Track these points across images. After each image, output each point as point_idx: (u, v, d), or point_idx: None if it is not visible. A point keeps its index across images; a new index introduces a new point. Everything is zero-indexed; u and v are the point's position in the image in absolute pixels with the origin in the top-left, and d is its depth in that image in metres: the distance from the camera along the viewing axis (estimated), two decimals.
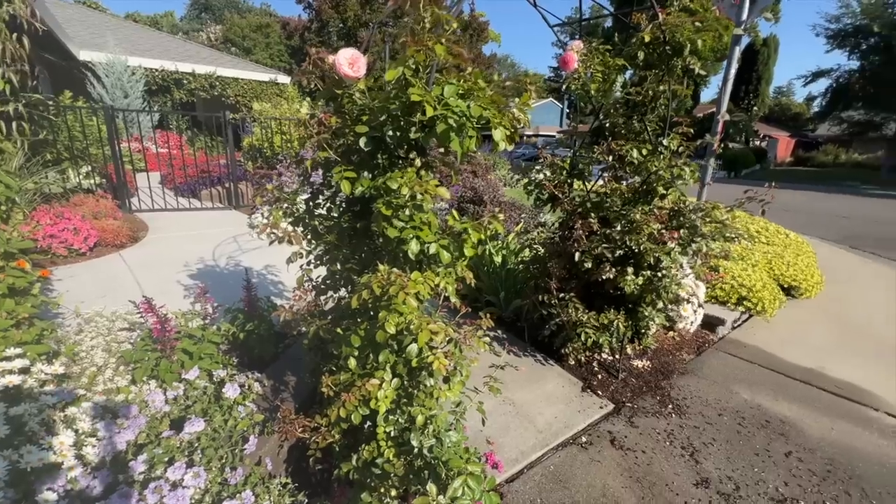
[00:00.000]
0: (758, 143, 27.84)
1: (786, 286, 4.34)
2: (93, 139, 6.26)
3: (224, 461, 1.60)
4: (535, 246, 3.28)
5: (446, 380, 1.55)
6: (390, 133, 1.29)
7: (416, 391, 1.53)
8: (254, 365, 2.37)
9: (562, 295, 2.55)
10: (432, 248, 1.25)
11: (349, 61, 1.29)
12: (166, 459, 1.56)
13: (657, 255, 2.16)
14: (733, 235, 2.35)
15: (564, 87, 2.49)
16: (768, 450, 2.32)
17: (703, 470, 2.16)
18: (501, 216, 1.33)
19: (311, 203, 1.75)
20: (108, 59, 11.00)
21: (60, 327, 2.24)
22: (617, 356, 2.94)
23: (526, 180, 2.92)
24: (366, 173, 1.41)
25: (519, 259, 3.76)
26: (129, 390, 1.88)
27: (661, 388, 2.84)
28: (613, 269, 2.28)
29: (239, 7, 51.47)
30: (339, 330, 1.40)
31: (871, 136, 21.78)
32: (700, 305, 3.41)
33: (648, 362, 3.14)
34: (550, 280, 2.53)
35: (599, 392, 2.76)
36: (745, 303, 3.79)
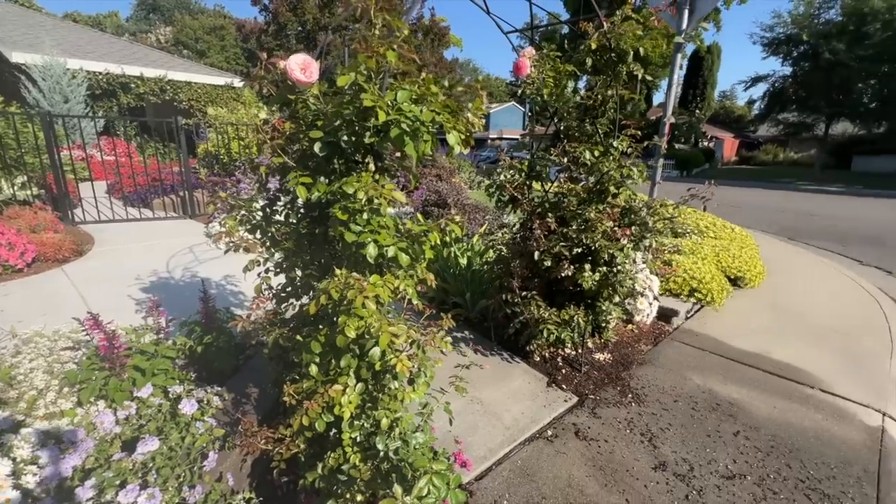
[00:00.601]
0: (706, 143, 29.57)
1: (732, 277, 4.64)
2: (28, 147, 5.83)
3: (182, 480, 1.54)
4: (498, 247, 3.35)
5: (411, 381, 1.57)
6: (345, 138, 1.29)
7: (380, 395, 1.53)
8: (213, 379, 2.29)
9: (524, 293, 2.62)
10: (391, 251, 1.26)
11: (301, 66, 1.28)
12: (118, 483, 1.49)
13: (611, 251, 2.26)
14: (682, 231, 2.49)
15: (520, 92, 2.57)
16: (719, 431, 2.47)
17: (661, 454, 2.28)
18: (458, 218, 1.36)
19: (268, 210, 1.72)
20: (44, 61, 10.28)
21: None
22: (579, 351, 3.04)
23: (487, 182, 2.98)
24: (322, 178, 1.40)
25: (484, 260, 3.82)
26: (74, 413, 1.77)
27: (621, 379, 2.96)
28: (572, 267, 2.37)
29: (190, 8, 49.40)
30: (299, 337, 1.38)
31: (804, 137, 23.65)
32: (655, 298, 3.59)
33: (609, 355, 3.27)
34: (513, 279, 2.59)
35: (564, 386, 2.85)
36: (696, 294, 4.02)
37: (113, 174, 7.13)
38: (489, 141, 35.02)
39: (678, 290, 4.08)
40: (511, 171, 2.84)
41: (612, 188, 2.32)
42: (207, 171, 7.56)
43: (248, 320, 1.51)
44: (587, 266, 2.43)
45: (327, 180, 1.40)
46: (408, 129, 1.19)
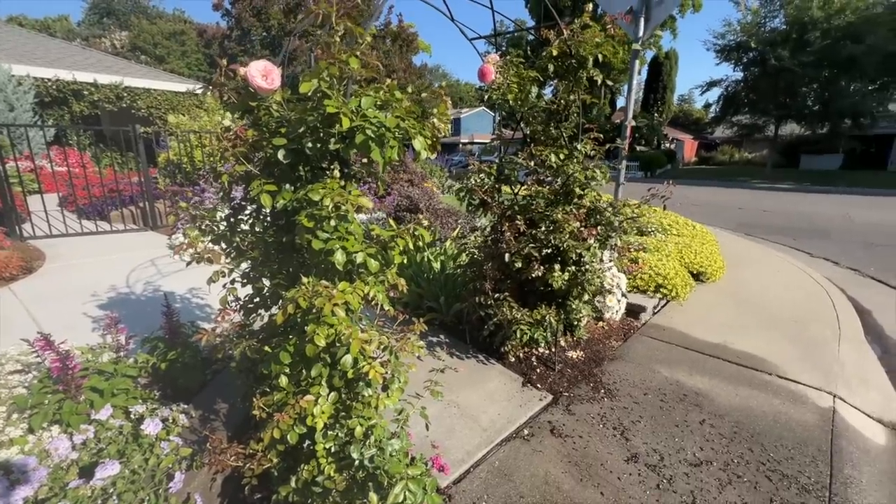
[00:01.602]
0: (667, 145, 30.84)
1: (695, 272, 4.85)
2: None
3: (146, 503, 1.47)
4: (471, 250, 3.38)
5: (385, 388, 1.56)
6: (310, 145, 1.28)
7: (354, 402, 1.52)
8: (179, 396, 2.21)
9: (497, 295, 2.65)
10: (359, 258, 1.25)
11: (262, 73, 1.27)
12: None
13: (579, 251, 2.33)
14: (647, 229, 2.59)
15: (486, 97, 2.61)
16: (686, 420, 2.57)
17: (633, 446, 2.35)
18: (426, 223, 1.37)
19: (232, 219, 1.68)
20: None
21: None
22: (552, 349, 3.10)
23: (458, 186, 3.01)
24: (287, 186, 1.38)
25: (457, 264, 3.85)
26: (25, 440, 1.67)
27: (593, 376, 3.04)
28: (542, 267, 2.42)
29: (148, 13, 47.56)
30: (267, 348, 1.35)
31: (756, 137, 25.02)
32: (623, 295, 3.70)
33: (582, 352, 3.34)
34: (486, 282, 2.62)
35: (539, 385, 2.89)
36: (661, 290, 4.17)
37: (66, 186, 6.75)
38: (460, 146, 35.31)
39: (645, 286, 4.23)
40: (481, 175, 2.88)
41: (577, 189, 2.39)
42: (168, 181, 7.27)
43: (214, 333, 1.47)
44: (556, 266, 2.48)
45: (293, 188, 1.38)
46: (373, 136, 1.20)
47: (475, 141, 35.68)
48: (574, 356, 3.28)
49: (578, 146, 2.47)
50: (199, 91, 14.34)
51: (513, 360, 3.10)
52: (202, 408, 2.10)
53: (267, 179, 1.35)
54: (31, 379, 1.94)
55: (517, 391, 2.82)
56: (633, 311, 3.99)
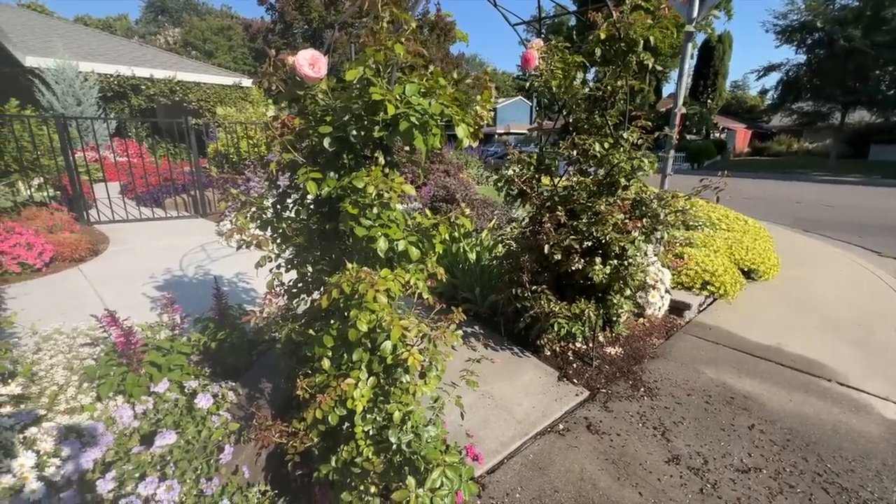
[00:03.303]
0: (717, 135, 29.08)
1: (745, 270, 4.57)
2: (44, 149, 5.95)
3: (199, 472, 1.57)
4: (507, 241, 3.34)
5: (422, 375, 1.57)
6: (354, 133, 1.30)
7: (392, 388, 1.54)
8: (228, 374, 2.33)
9: (534, 287, 2.61)
10: (401, 245, 1.26)
11: (309, 62, 1.29)
12: (137, 475, 1.52)
13: (622, 244, 2.24)
14: (694, 223, 2.46)
15: (528, 85, 2.55)
16: (733, 424, 2.44)
17: (674, 447, 2.26)
18: (468, 211, 1.36)
19: (278, 206, 1.73)
20: (57, 64, 10.46)
21: (16, 347, 2.13)
22: (590, 345, 3.03)
23: (496, 177, 2.97)
24: (332, 174, 1.41)
25: (493, 255, 3.81)
26: (94, 408, 1.81)
27: (633, 373, 2.94)
28: (582, 260, 2.35)
29: (198, 9, 49.80)
30: (311, 332, 1.40)
31: (819, 126, 23.11)
32: (667, 291, 3.55)
33: (620, 349, 3.24)
34: (523, 274, 2.58)
35: (575, 380, 2.84)
36: (708, 287, 3.96)
37: (126, 175, 7.24)
38: (496, 136, 34.85)
39: (690, 283, 4.03)
40: (520, 165, 2.82)
41: (622, 180, 2.29)
42: (217, 170, 7.63)
43: (261, 316, 1.53)
44: (597, 259, 2.41)
45: (337, 175, 1.41)
46: (417, 123, 1.19)
47: (512, 131, 35.08)
48: (612, 352, 3.19)
49: (624, 135, 2.36)
50: (247, 84, 14.93)
51: (548, 353, 3.05)
52: (248, 386, 2.21)
53: (312, 167, 1.38)
54: (99, 352, 2.10)
55: (552, 385, 2.78)
56: (676, 308, 3.82)
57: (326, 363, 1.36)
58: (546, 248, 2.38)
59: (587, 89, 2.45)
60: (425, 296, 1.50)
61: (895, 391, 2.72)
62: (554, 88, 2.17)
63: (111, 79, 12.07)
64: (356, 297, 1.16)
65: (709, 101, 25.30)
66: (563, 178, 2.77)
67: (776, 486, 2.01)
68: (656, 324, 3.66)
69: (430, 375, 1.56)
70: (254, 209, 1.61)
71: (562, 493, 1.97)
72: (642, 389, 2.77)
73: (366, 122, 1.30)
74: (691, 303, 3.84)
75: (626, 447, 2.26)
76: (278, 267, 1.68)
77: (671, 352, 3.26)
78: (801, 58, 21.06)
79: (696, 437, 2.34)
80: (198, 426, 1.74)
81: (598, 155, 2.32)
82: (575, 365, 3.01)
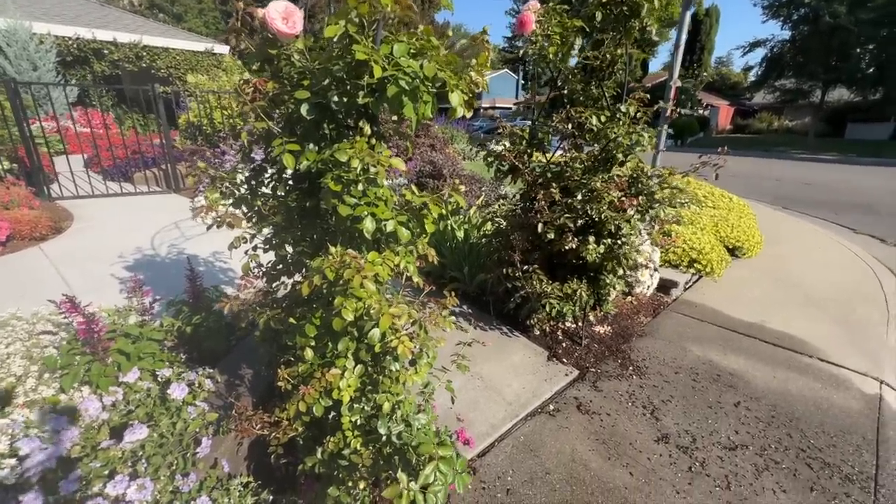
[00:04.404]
0: (701, 111, 29.17)
1: (730, 247, 4.60)
2: None
3: (174, 468, 1.47)
4: (496, 219, 3.24)
5: (412, 363, 1.49)
6: (335, 99, 1.15)
7: (380, 377, 1.45)
8: (205, 360, 2.21)
9: (525, 267, 2.53)
10: (390, 226, 1.14)
11: (282, 15, 1.12)
12: (106, 473, 1.41)
13: (618, 222, 2.17)
14: (685, 201, 2.40)
15: (522, 52, 2.39)
16: (720, 402, 2.46)
17: (663, 426, 2.27)
18: (463, 188, 1.24)
19: (253, 181, 1.58)
20: (7, 25, 9.60)
21: None
22: (580, 324, 3.00)
23: (485, 152, 2.83)
24: (311, 146, 1.27)
25: (481, 233, 3.72)
26: (57, 400, 1.68)
27: (621, 352, 2.94)
28: (576, 239, 2.27)
29: None
30: (292, 319, 1.28)
31: (800, 104, 23.36)
32: (655, 270, 3.53)
33: (609, 328, 3.23)
34: (514, 253, 2.50)
35: (564, 360, 2.81)
36: (695, 265, 3.97)
37: (91, 147, 6.78)
38: (482, 110, 34.19)
39: (678, 261, 4.03)
40: (511, 139, 2.69)
41: (619, 155, 2.20)
42: (192, 143, 7.22)
43: (237, 301, 1.40)
44: (591, 238, 2.33)
45: (317, 148, 1.27)
46: (406, 88, 1.06)
47: (497, 105, 34.44)
48: (601, 331, 3.18)
49: (622, 107, 2.25)
50: (220, 51, 14.09)
51: (538, 333, 3.02)
52: (227, 373, 2.10)
53: (289, 138, 1.24)
54: (61, 340, 1.95)
55: (542, 365, 2.75)
56: (664, 286, 3.82)
57: (309, 353, 1.26)
58: (540, 226, 2.29)
59: (584, 57, 2.31)
60: (416, 279, 1.40)
61: (873, 367, 2.78)
62: (550, 55, 2.03)
63: (70, 42, 11.19)
64: (341, 283, 1.05)
65: (703, 73, 25.15)
66: (558, 154, 2.66)
67: (762, 463, 2.04)
68: (644, 302, 3.66)
69: (420, 363, 1.48)
70: (226, 184, 1.45)
71: (553, 474, 1.96)
72: (631, 368, 2.77)
73: (348, 87, 1.15)
74: (678, 281, 3.85)
75: (616, 427, 2.26)
76: (255, 248, 1.54)
77: (659, 330, 3.26)
78: (787, 34, 21.06)
79: (685, 415, 2.35)
80: (172, 418, 1.64)
81: (595, 129, 2.21)
82: (564, 344, 2.98)
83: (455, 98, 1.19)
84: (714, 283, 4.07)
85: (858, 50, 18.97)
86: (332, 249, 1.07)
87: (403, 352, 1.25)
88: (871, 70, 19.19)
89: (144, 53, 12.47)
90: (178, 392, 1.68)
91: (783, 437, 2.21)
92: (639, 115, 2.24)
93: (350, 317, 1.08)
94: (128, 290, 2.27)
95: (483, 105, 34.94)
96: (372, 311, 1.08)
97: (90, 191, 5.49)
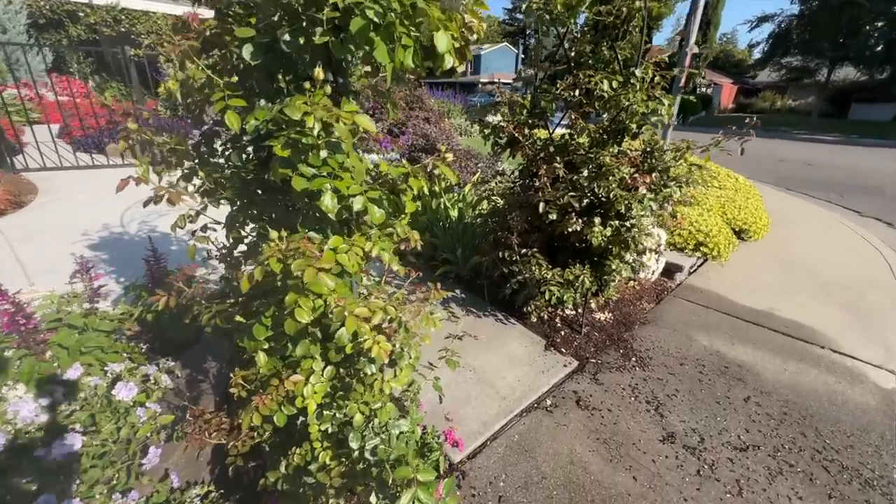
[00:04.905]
0: (703, 89, 28.53)
1: (737, 229, 4.40)
2: None
3: (115, 483, 1.27)
4: (493, 197, 3.00)
5: (392, 363, 1.28)
6: (287, 38, 0.89)
7: (353, 380, 1.25)
8: (169, 350, 1.99)
9: (524, 251, 2.31)
10: (357, 203, 0.91)
11: None
12: (34, 489, 1.21)
13: (628, 202, 1.93)
14: (699, 180, 2.17)
15: (524, 6, 2.10)
16: (728, 397, 2.30)
17: (669, 424, 2.10)
18: (450, 157, 1.00)
19: (203, 149, 1.32)
20: None
21: None
22: (580, 311, 2.80)
23: (483, 124, 2.56)
24: (263, 102, 1.01)
25: (477, 212, 3.48)
26: None
27: (623, 341, 2.76)
28: (580, 221, 2.05)
29: None
30: (240, 318, 1.06)
31: (805, 83, 22.81)
32: (660, 254, 3.32)
33: (611, 314, 3.05)
34: (511, 235, 2.27)
35: (563, 349, 2.63)
36: (702, 248, 3.77)
37: (72, 116, 6.36)
38: (480, 85, 33.24)
39: (683, 243, 3.83)
40: (510, 109, 2.42)
41: (632, 126, 1.94)
42: (166, 112, 6.78)
43: (174, 296, 1.17)
44: (597, 220, 2.10)
45: (270, 104, 1.01)
46: (376, 20, 0.80)
47: (496, 80, 33.48)
48: (602, 318, 2.99)
49: (637, 72, 1.98)
50: (207, 16, 13.34)
51: (535, 320, 2.81)
52: (191, 366, 1.89)
53: (234, 92, 0.98)
54: None
55: (539, 355, 2.57)
56: (668, 270, 3.63)
57: (262, 358, 1.04)
58: (541, 205, 2.05)
59: (594, 13, 2.02)
60: (395, 268, 1.17)
61: (890, 359, 2.63)
62: (559, 7, 1.74)
63: (42, 4, 10.50)
64: (292, 277, 0.82)
65: (702, 52, 24.37)
66: (561, 125, 2.40)
67: (775, 466, 1.88)
68: (647, 287, 3.47)
69: (402, 364, 1.27)
70: (165, 150, 1.20)
71: (550, 479, 1.79)
72: (633, 359, 2.59)
73: (304, 23, 0.89)
74: (683, 265, 3.65)
75: (619, 424, 2.09)
76: (204, 229, 1.30)
77: (662, 317, 3.08)
78: (796, 9, 20.31)
79: (692, 411, 2.19)
80: (118, 422, 1.43)
81: (606, 95, 1.95)
82: (563, 332, 2.79)
83: (442, 41, 0.94)
84: (720, 267, 3.88)
85: (868, 27, 18.37)
86: (274, 234, 0.84)
87: (379, 354, 1.04)
88: (879, 48, 18.63)
89: (123, 17, 11.76)
90: (124, 393, 1.47)
91: (797, 436, 2.05)
92: (656, 79, 1.98)
93: (306, 318, 0.86)
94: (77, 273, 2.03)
95: (481, 80, 33.99)
96: (334, 311, 0.85)
97: (58, 162, 5.14)
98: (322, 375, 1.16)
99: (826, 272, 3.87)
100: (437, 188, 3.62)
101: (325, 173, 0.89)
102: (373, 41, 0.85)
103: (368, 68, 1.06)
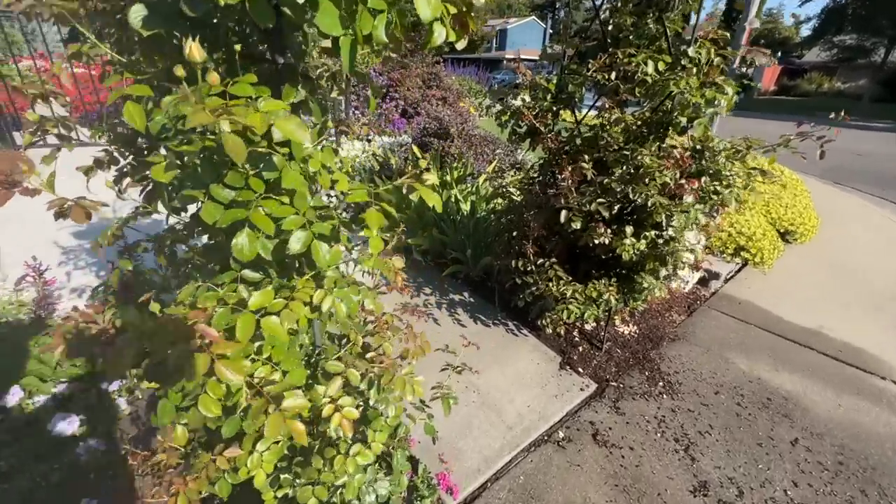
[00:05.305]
0: (745, 69, 26.75)
1: (782, 230, 3.95)
2: None
3: None
4: (509, 190, 2.67)
5: (361, 439, 1.02)
6: None
7: (317, 442, 0.99)
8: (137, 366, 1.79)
9: (541, 261, 2.00)
10: (296, 242, 0.62)
11: None
12: None
13: (669, 212, 1.60)
14: (751, 184, 1.80)
15: None
16: (772, 437, 1.98)
17: (701, 470, 1.81)
18: (431, 178, 0.69)
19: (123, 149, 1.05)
20: None
21: None
22: (602, 324, 2.50)
23: (498, 108, 2.22)
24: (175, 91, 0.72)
25: (491, 207, 3.16)
26: None
27: (649, 361, 2.45)
28: (609, 231, 1.72)
29: None
30: (147, 385, 0.80)
31: (858, 63, 21.07)
32: (700, 269, 2.95)
33: (635, 327, 2.73)
34: (527, 243, 1.96)
35: (580, 369, 2.34)
36: (742, 253, 3.37)
37: (74, 90, 6.21)
38: (504, 62, 32.01)
39: (721, 247, 3.43)
40: (531, 92, 2.07)
41: (681, 119, 1.58)
42: None
43: (65, 337, 0.91)
44: (628, 230, 1.77)
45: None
46: None
47: (522, 57, 32.15)
48: (626, 332, 2.68)
49: (690, 51, 1.61)
50: None
51: (550, 332, 2.52)
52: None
53: (138, 73, 0.71)
54: None
55: (553, 375, 2.29)
56: (702, 278, 3.26)
57: (180, 433, 0.79)
58: (563, 214, 1.73)
59: None
60: (371, 306, 0.89)
61: None
62: None
63: None
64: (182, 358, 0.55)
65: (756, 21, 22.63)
66: (591, 114, 2.04)
67: None
68: (677, 296, 3.12)
69: (375, 426, 1.01)
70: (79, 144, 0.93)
71: None
72: (661, 384, 2.28)
73: None
74: (720, 272, 3.27)
75: (642, 468, 1.81)
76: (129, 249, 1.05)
77: (694, 332, 2.75)
78: None
79: (728, 455, 1.89)
80: (47, 464, 1.22)
81: (650, 80, 1.59)
82: (581, 348, 2.50)
83: (424, 4, 0.63)
84: (763, 275, 3.48)
85: None
86: (185, 293, 0.57)
87: (341, 426, 0.78)
88: None
89: None
90: (65, 426, 1.26)
91: (856, 495, 1.73)
92: (716, 60, 1.60)
93: (213, 412, 0.59)
94: (70, 262, 1.83)
95: (506, 56, 32.74)
96: (251, 409, 0.58)
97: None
98: (268, 443, 0.91)
99: (883, 282, 3.43)
100: (448, 178, 3.31)
101: (241, 199, 0.61)
102: (316, 1, 0.56)
103: (327, 43, 0.76)
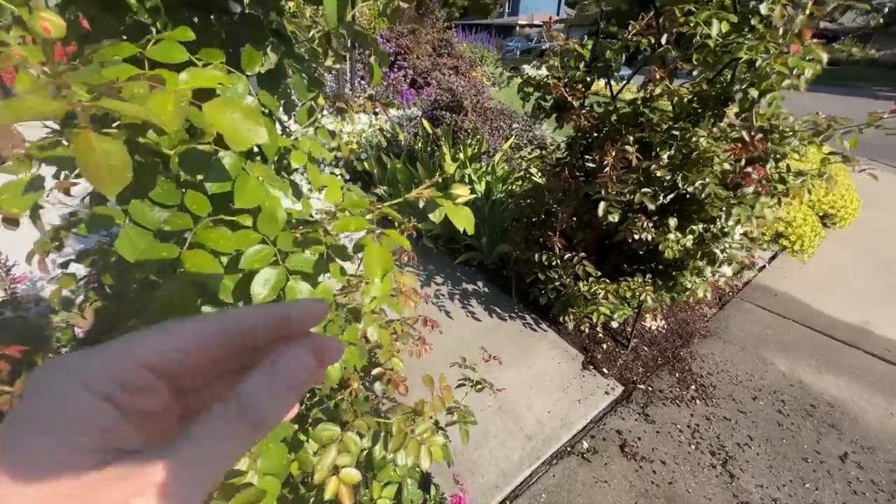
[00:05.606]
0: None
1: (821, 214, 3.65)
2: None
3: None
4: (529, 171, 2.42)
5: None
6: None
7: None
8: None
9: (568, 255, 1.78)
10: (262, 286, 0.41)
11: None
12: None
13: (728, 205, 1.36)
14: (828, 172, 1.54)
15: None
16: (819, 451, 1.80)
17: (741, 489, 1.64)
18: (462, 193, 0.47)
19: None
20: None
21: None
22: (629, 319, 2.29)
23: (520, 79, 1.95)
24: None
25: (507, 188, 2.91)
26: None
27: (680, 360, 2.26)
28: (651, 225, 1.49)
29: None
30: None
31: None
32: (752, 267, 2.71)
33: (664, 322, 2.52)
34: (552, 234, 1.74)
35: (605, 369, 2.16)
36: (781, 240, 3.11)
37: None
38: (517, 28, 30.57)
39: (758, 234, 3.16)
40: (561, 59, 1.79)
41: (752, 92, 1.31)
42: None
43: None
44: (671, 222, 1.53)
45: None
46: None
47: (535, 23, 30.68)
48: (653, 327, 2.48)
49: (762, 7, 1.32)
50: None
51: (571, 327, 2.33)
52: None
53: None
54: None
55: (575, 376, 2.11)
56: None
57: None
58: (601, 206, 1.49)
59: None
60: (377, 337, 0.69)
61: None
62: None
63: None
64: None
65: None
66: (632, 88, 1.76)
67: None
68: (709, 286, 2.88)
69: (381, 478, 0.83)
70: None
71: None
72: (693, 387, 2.10)
73: None
74: (754, 260, 3.01)
75: (675, 485, 1.65)
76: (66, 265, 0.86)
77: (728, 328, 2.53)
78: None
79: (770, 471, 1.71)
80: None
81: (711, 44, 1.31)
82: (605, 345, 2.31)
83: None
84: (799, 263, 3.22)
85: None
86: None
87: (339, 494, 0.60)
88: None
89: None
90: None
91: None
92: (799, 20, 1.31)
93: None
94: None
95: (519, 21, 31.29)
96: None
97: None
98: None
99: None
100: (461, 156, 3.05)
101: (166, 226, 0.39)
102: None
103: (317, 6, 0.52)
